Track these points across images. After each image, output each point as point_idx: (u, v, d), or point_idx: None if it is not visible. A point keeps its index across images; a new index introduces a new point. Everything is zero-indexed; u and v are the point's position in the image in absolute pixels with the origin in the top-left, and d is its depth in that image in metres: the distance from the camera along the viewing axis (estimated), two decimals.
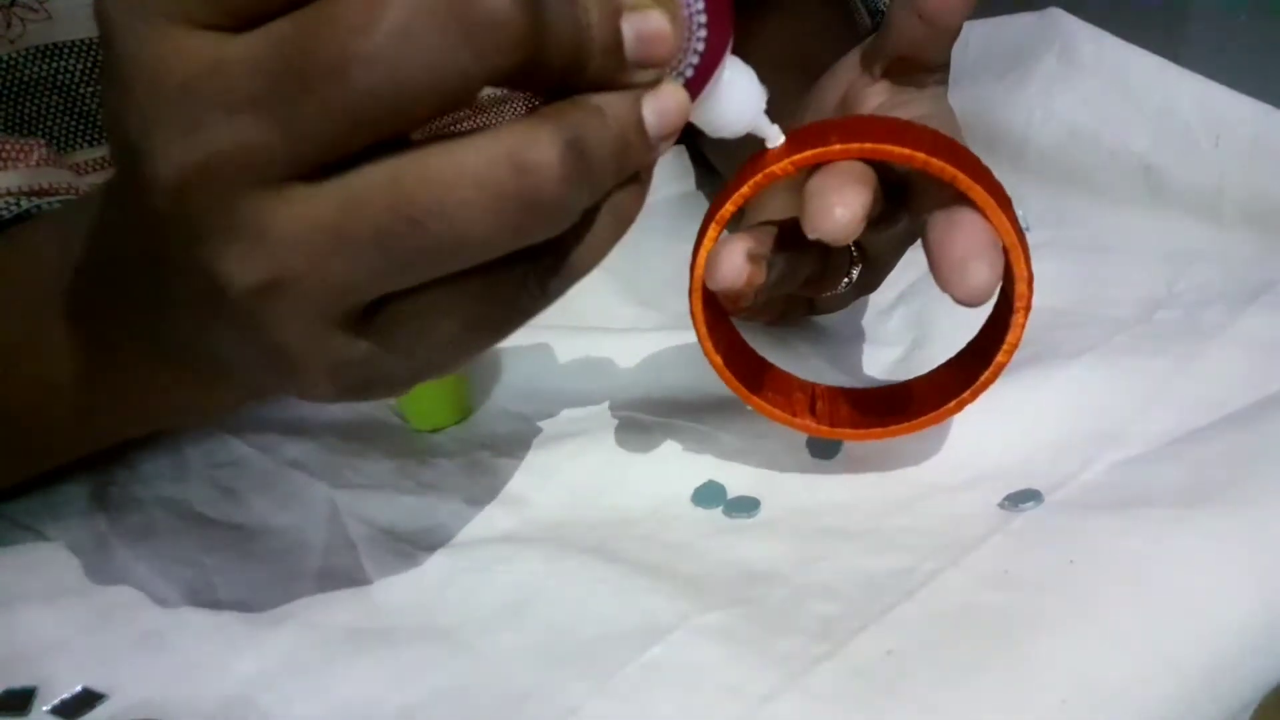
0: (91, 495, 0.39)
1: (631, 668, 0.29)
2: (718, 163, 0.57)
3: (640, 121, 0.24)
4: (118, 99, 0.21)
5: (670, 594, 0.32)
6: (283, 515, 0.38)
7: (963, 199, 0.31)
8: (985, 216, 0.31)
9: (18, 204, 0.36)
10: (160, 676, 0.31)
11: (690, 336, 0.35)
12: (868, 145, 0.31)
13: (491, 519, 0.37)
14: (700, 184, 0.58)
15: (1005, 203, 0.31)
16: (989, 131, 0.58)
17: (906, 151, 0.31)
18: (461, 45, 0.20)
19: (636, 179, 0.25)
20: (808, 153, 0.31)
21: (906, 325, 0.46)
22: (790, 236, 0.35)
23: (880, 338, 0.45)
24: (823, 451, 0.38)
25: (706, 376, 0.36)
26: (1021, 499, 0.34)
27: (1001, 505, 0.34)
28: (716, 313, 0.36)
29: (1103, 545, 0.32)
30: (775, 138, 0.31)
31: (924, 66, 0.37)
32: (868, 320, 0.47)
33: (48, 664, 0.31)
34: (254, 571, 0.35)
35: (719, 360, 0.35)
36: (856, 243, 0.37)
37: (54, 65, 0.38)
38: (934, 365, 0.38)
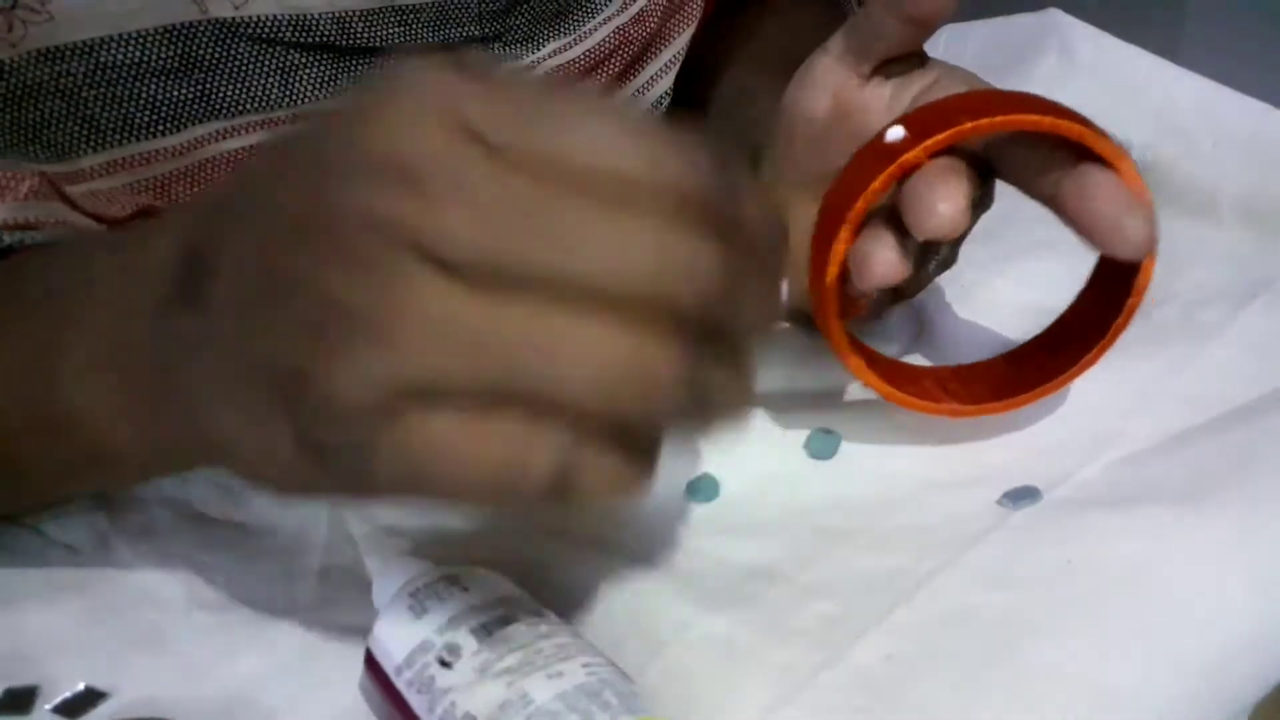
0: (93, 495, 0.39)
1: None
2: None
3: None
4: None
5: (669, 597, 0.32)
6: (284, 514, 0.38)
7: (1063, 158, 0.31)
8: (1116, 170, 0.31)
9: (1, 239, 0.36)
10: (162, 675, 0.31)
11: None
12: (998, 119, 0.31)
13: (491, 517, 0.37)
14: None
15: (1124, 152, 0.31)
16: None
17: (1034, 118, 0.30)
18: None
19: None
20: (940, 136, 0.31)
21: (905, 321, 0.46)
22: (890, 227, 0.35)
23: (879, 334, 0.45)
24: (820, 452, 0.38)
25: None
26: (1020, 496, 0.34)
27: (1000, 503, 0.35)
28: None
29: (1101, 544, 0.32)
30: None
31: (914, 55, 0.37)
32: None
33: (50, 663, 0.32)
34: (255, 570, 0.35)
35: (860, 362, 0.35)
36: None
37: (56, 69, 0.37)
38: (932, 362, 0.37)
